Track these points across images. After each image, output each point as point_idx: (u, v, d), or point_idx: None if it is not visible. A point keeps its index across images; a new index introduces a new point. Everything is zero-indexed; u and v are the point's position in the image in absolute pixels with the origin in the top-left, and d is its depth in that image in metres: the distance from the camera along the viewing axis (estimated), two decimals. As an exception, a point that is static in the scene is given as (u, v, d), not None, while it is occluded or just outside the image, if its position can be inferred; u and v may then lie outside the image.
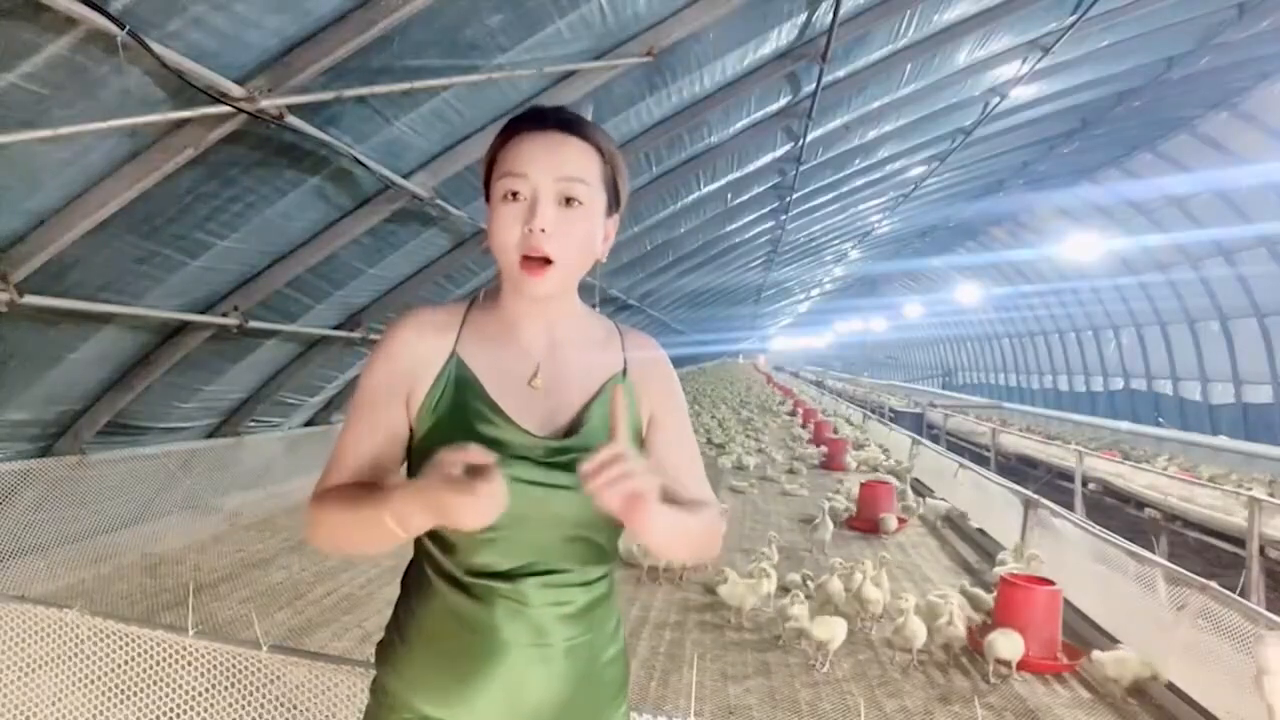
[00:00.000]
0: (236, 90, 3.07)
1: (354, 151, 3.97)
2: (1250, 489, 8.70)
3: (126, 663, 2.28)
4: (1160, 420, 20.15)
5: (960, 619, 4.27)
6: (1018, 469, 13.17)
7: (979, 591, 4.88)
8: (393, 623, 1.11)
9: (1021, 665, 4.17)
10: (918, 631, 4.08)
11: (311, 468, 7.06)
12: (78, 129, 2.79)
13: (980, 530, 7.33)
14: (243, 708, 2.21)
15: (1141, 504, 9.60)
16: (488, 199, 1.06)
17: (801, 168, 8.41)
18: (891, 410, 19.76)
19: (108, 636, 2.29)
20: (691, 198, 8.19)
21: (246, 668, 2.20)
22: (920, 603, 4.34)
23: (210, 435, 5.96)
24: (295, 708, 2.15)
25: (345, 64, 3.31)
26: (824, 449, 12.19)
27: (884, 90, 7.28)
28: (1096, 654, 3.97)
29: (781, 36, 5.47)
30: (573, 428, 1.06)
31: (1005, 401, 27.44)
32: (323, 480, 1.07)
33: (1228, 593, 3.78)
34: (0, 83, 2.58)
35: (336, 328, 6.02)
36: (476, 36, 3.75)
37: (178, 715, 2.26)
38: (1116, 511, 10.05)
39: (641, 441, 1.13)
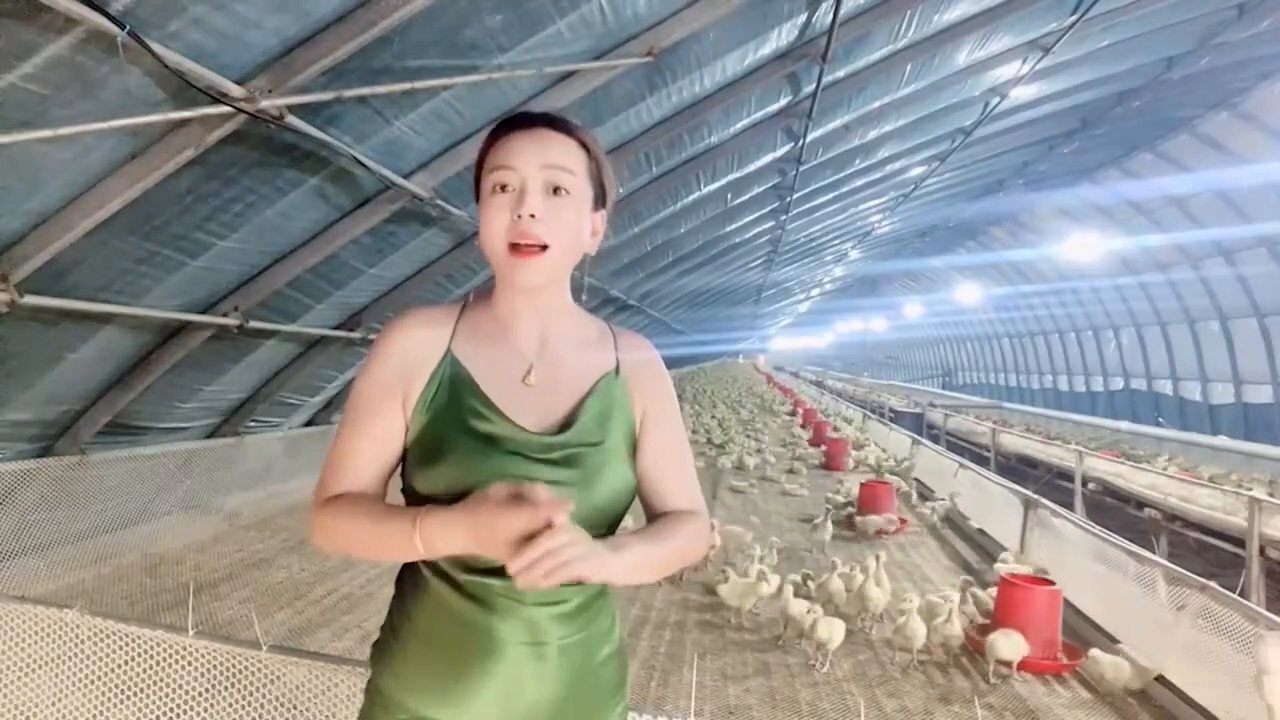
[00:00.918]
0: (237, 90, 3.08)
1: (354, 152, 3.98)
2: (1250, 489, 8.69)
3: (126, 663, 2.28)
4: (1160, 420, 20.14)
5: (958, 618, 4.28)
6: (1018, 469, 13.17)
7: (979, 592, 4.87)
8: (387, 622, 1.12)
9: (1021, 665, 4.17)
10: (918, 631, 4.07)
11: (311, 468, 7.06)
12: (78, 129, 2.79)
13: (980, 530, 7.33)
14: (243, 708, 2.21)
15: (1141, 504, 9.61)
16: (477, 199, 1.08)
17: (802, 168, 8.42)
18: (891, 410, 19.76)
19: (108, 636, 2.29)
20: (692, 198, 8.19)
21: (246, 668, 2.20)
22: (921, 603, 4.34)
23: (210, 435, 5.96)
24: (295, 708, 2.15)
25: (345, 64, 3.32)
26: (824, 449, 12.19)
27: (884, 90, 7.28)
28: (1094, 653, 3.98)
29: (782, 37, 5.48)
30: (566, 424, 1.07)
31: (1005, 401, 27.43)
32: (324, 482, 1.07)
33: (1228, 593, 3.78)
34: (0, 83, 2.58)
35: (336, 328, 6.02)
36: (476, 37, 3.75)
37: (178, 715, 2.26)
38: (1116, 512, 10.05)
39: (634, 441, 1.13)
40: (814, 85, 6.06)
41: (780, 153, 8.07)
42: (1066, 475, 11.09)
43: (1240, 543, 7.19)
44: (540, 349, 1.11)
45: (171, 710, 2.26)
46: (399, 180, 4.48)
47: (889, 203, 14.38)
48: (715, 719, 3.53)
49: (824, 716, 3.59)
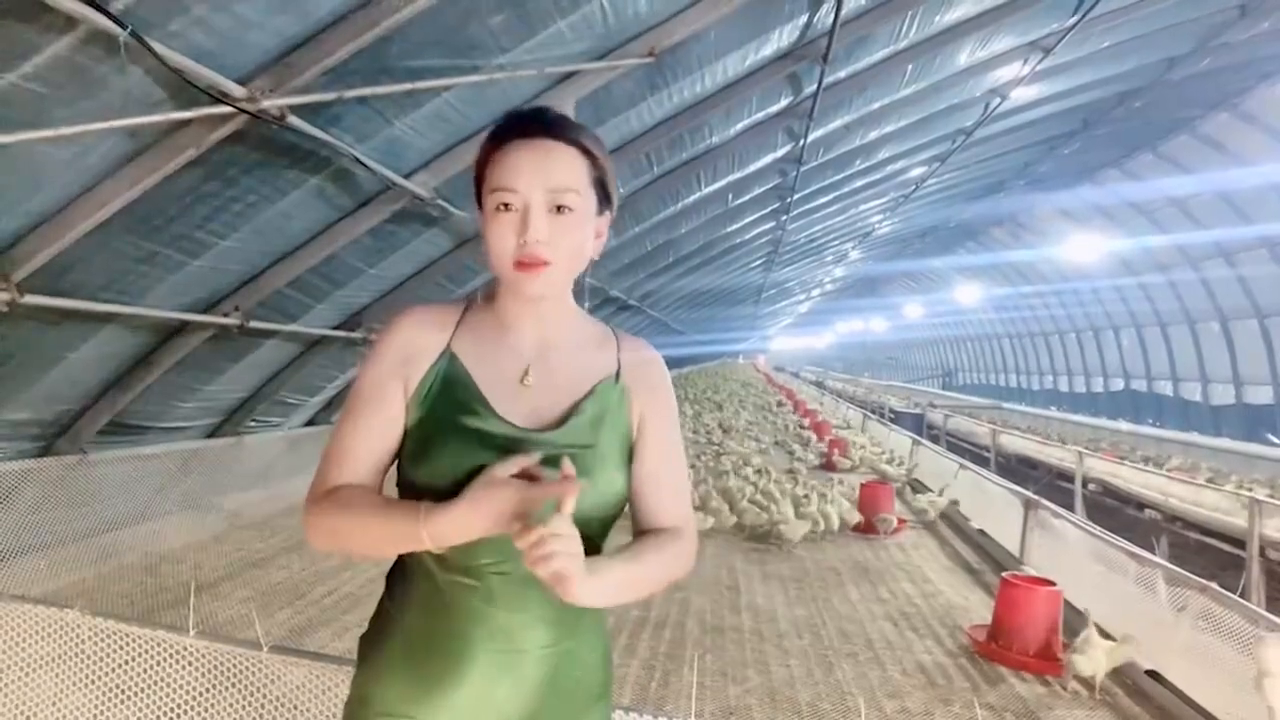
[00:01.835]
0: (238, 90, 3.08)
1: (355, 152, 3.98)
2: (1251, 490, 8.69)
3: (127, 663, 2.28)
4: (1152, 421, 20.14)
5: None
6: (1018, 470, 13.17)
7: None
8: (374, 618, 1.13)
9: (1021, 665, 4.18)
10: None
11: (312, 468, 6.96)
12: (79, 129, 2.79)
13: (981, 531, 7.32)
14: (243, 708, 2.21)
15: (1142, 505, 9.61)
16: (480, 206, 1.07)
17: (802, 168, 8.42)
18: (892, 411, 19.75)
19: (108, 636, 2.29)
20: (692, 198, 8.20)
21: (247, 668, 2.20)
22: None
23: (210, 435, 5.96)
24: (296, 708, 2.15)
25: (347, 64, 3.31)
26: (824, 449, 12.18)
27: (885, 91, 7.28)
28: (1069, 654, 3.96)
29: (783, 37, 5.48)
30: (558, 425, 1.06)
31: (1005, 402, 27.43)
32: (320, 478, 1.06)
33: (1228, 594, 3.78)
34: (2, 82, 2.58)
35: (337, 328, 6.02)
36: (478, 37, 3.75)
37: (178, 715, 2.25)
38: (1117, 512, 10.05)
39: (631, 447, 1.12)
40: (815, 86, 6.06)
41: (781, 153, 8.07)
42: (1066, 476, 11.09)
43: (1240, 544, 7.19)
44: (540, 351, 1.11)
45: (172, 710, 2.26)
46: (400, 180, 4.48)
47: (889, 203, 14.37)
48: (715, 719, 3.53)
49: (824, 717, 3.59)
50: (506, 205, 1.02)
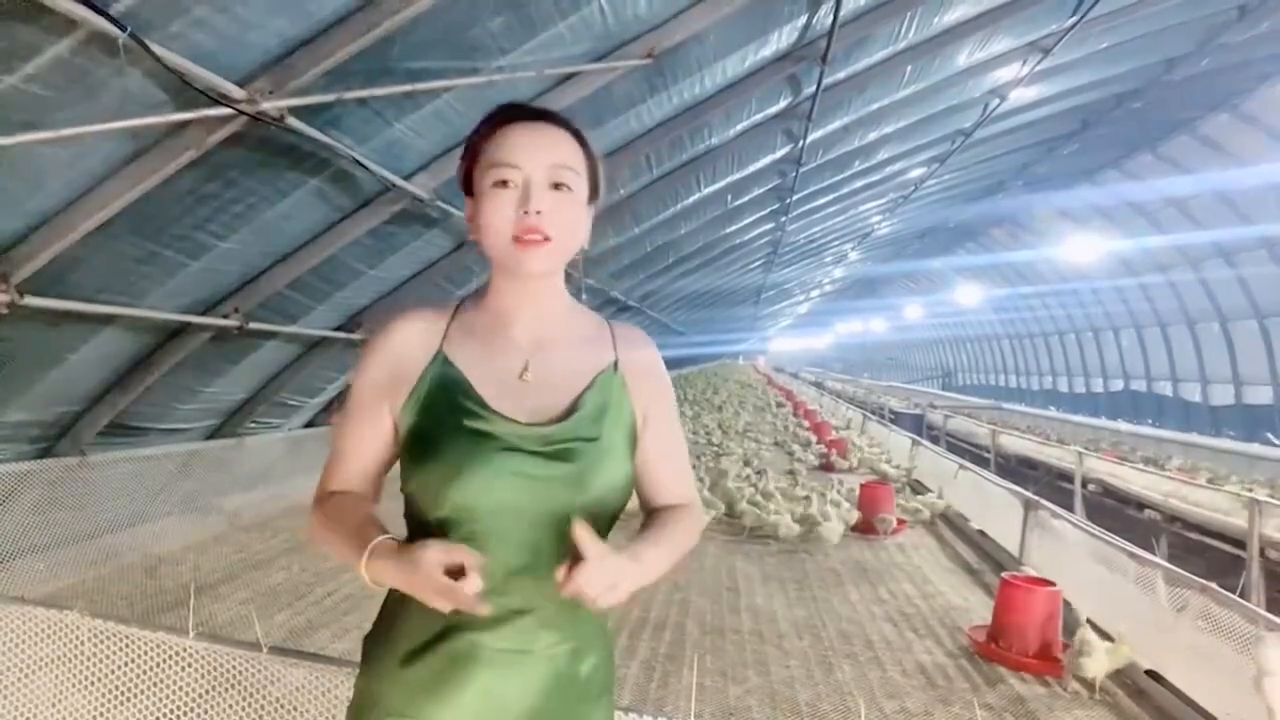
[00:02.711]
0: (238, 92, 3.08)
1: (355, 153, 3.98)
2: (1251, 490, 8.69)
3: (126, 664, 2.28)
4: (1152, 422, 20.14)
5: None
6: (1018, 470, 13.16)
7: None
8: (379, 618, 1.14)
9: (1021, 666, 4.18)
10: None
11: (312, 468, 6.98)
12: (79, 131, 2.80)
13: (981, 531, 7.32)
14: (243, 709, 2.21)
15: (1141, 505, 9.61)
16: (468, 190, 1.08)
17: (802, 169, 8.42)
18: (891, 411, 19.74)
19: (108, 638, 2.29)
20: (692, 199, 8.20)
21: (247, 669, 2.20)
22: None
23: (210, 436, 5.96)
24: (296, 709, 2.15)
25: (346, 66, 3.32)
26: (824, 449, 12.18)
27: (884, 92, 7.29)
28: (1068, 657, 3.96)
29: (782, 38, 5.48)
30: (562, 418, 1.06)
31: (1005, 402, 27.42)
32: (323, 482, 1.11)
33: (1228, 594, 3.78)
34: (2, 84, 2.59)
35: (337, 329, 6.02)
36: (478, 38, 3.76)
37: (178, 717, 2.25)
38: (1116, 513, 10.05)
39: (634, 438, 1.13)
40: (814, 87, 6.06)
41: (780, 154, 8.07)
42: (1066, 476, 11.08)
43: (1240, 544, 7.19)
44: (537, 345, 1.11)
45: (172, 712, 2.26)
46: (399, 182, 4.48)
47: (889, 204, 14.38)
48: (715, 720, 3.54)
49: (824, 718, 3.59)
50: (505, 182, 1.03)
